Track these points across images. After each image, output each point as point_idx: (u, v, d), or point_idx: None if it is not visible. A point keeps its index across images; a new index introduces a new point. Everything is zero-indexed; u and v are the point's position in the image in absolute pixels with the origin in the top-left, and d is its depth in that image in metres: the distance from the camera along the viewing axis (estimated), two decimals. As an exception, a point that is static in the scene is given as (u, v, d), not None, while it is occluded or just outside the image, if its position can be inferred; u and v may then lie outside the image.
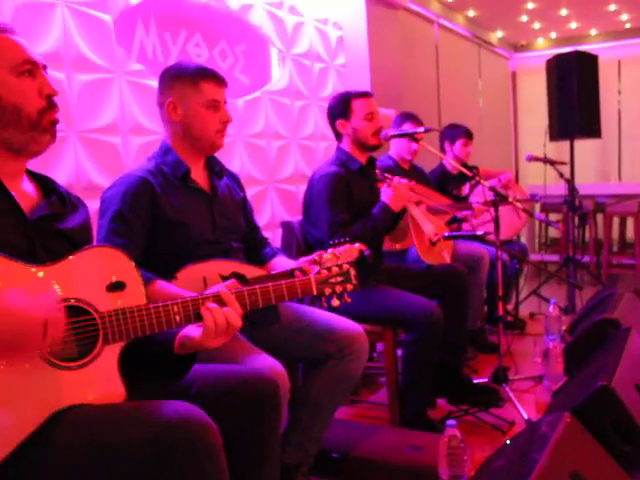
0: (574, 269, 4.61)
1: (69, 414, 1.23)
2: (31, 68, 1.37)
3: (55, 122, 1.41)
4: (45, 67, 1.42)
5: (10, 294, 1.15)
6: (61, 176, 2.30)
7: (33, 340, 1.15)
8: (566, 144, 4.89)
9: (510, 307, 4.36)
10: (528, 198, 3.93)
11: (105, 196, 1.94)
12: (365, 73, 4.14)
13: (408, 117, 3.60)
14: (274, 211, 3.47)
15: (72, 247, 1.40)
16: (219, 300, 1.40)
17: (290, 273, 1.79)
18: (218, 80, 2.01)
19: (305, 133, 3.76)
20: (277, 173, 3.52)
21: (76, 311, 1.28)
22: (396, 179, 2.69)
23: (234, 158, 3.19)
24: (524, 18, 6.70)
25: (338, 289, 1.57)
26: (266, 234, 2.37)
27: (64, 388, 1.23)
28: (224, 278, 1.81)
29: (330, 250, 1.64)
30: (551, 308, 3.24)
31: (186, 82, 1.98)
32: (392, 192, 2.65)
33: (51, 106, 1.39)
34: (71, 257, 1.31)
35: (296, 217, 3.16)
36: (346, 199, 2.69)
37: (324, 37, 3.96)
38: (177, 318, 1.36)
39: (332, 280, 1.57)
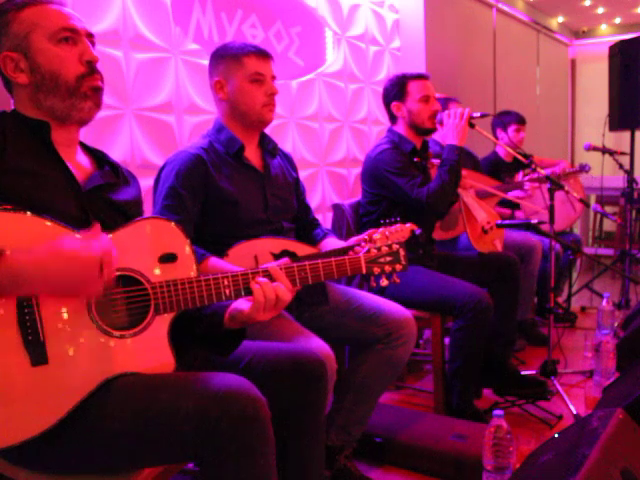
0: (629, 264, 4.47)
1: (118, 382, 1.24)
2: (70, 35, 1.36)
3: (97, 89, 1.39)
4: (91, 35, 1.41)
5: (65, 239, 1.15)
6: (116, 153, 2.33)
7: (91, 280, 1.14)
8: (626, 135, 4.73)
9: (561, 300, 4.27)
10: (578, 169, 3.74)
11: (160, 173, 1.96)
12: (420, 57, 4.07)
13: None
14: (325, 194, 3.46)
15: (124, 219, 1.41)
16: (268, 275, 1.41)
17: (342, 251, 1.78)
18: (261, 54, 2.02)
19: (358, 117, 3.73)
20: (329, 156, 3.50)
21: (128, 281, 1.29)
22: (445, 114, 2.71)
23: (286, 139, 3.19)
24: (587, 2, 6.47)
25: (387, 269, 1.56)
26: (317, 216, 2.37)
27: (115, 356, 1.25)
28: (275, 256, 1.82)
29: (381, 229, 1.63)
30: (604, 302, 3.15)
31: (230, 60, 2.01)
32: (447, 130, 2.69)
33: (91, 72, 1.38)
34: (124, 228, 1.32)
35: (347, 200, 3.15)
36: (409, 165, 2.72)
37: (380, 20, 3.91)
38: (227, 291, 1.36)
39: (381, 260, 1.56)
